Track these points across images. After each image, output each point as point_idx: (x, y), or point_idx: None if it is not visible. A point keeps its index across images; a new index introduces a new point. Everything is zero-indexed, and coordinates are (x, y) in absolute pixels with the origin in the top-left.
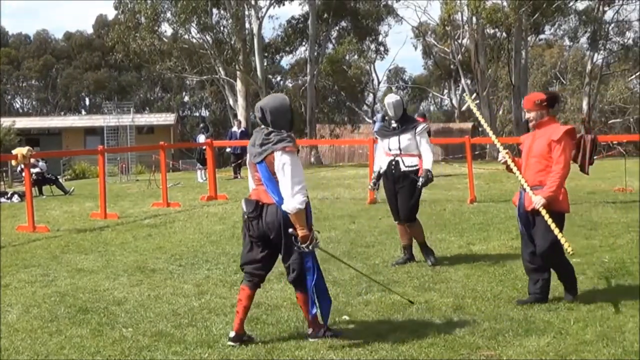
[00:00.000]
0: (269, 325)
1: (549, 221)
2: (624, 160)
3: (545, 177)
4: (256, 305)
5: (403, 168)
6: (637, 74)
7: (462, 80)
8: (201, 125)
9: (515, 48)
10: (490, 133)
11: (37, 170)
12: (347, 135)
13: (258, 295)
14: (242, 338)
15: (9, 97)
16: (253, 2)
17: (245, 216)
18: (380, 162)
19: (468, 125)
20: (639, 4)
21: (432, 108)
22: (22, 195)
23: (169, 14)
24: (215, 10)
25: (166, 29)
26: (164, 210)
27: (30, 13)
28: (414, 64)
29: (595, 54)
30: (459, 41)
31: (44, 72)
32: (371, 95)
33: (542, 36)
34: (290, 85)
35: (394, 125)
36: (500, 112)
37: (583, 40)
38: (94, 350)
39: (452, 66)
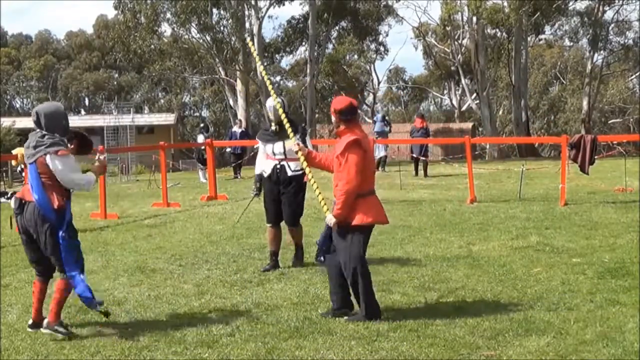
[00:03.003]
0: (269, 325)
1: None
2: (624, 160)
3: None
4: (256, 305)
5: (290, 173)
6: (637, 74)
7: (462, 80)
8: (201, 125)
9: (515, 48)
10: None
11: None
12: None
13: (258, 295)
14: (39, 325)
15: (9, 97)
16: (253, 2)
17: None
18: (263, 167)
19: (468, 125)
20: (639, 4)
21: (432, 108)
22: None
23: (169, 14)
24: (215, 10)
25: (166, 29)
26: (164, 210)
27: (31, 13)
28: (414, 64)
29: (595, 54)
30: (459, 41)
31: (45, 72)
32: (371, 95)
33: (542, 36)
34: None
35: (273, 128)
36: (500, 112)
37: (583, 40)
38: (94, 350)
39: (452, 66)
